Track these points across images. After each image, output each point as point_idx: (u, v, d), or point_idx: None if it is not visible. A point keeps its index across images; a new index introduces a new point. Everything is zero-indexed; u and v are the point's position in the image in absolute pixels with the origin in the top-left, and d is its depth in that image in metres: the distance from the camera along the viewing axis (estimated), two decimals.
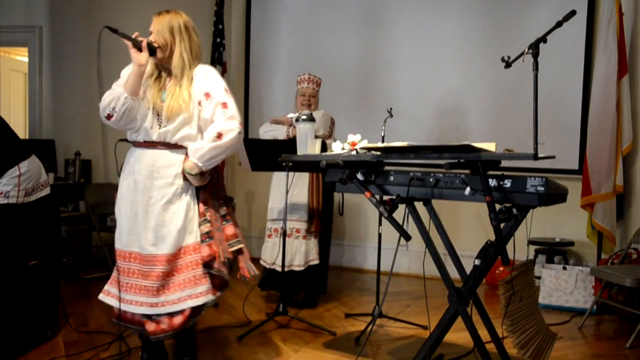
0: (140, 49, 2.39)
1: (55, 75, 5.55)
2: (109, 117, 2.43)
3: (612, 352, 3.26)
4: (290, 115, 3.88)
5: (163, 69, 2.53)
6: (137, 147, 2.51)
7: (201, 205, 2.50)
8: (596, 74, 4.35)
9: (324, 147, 3.14)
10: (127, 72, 2.49)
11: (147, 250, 2.44)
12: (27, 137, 5.65)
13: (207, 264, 2.47)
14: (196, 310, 2.48)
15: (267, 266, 3.95)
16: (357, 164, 2.55)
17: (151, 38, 2.46)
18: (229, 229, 2.58)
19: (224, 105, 2.44)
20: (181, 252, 2.46)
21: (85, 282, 4.61)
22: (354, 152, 2.64)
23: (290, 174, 3.71)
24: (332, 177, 2.75)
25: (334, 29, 5.50)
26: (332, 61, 5.46)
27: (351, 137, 2.72)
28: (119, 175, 2.61)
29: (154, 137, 2.45)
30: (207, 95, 2.46)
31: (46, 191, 3.35)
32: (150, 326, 2.46)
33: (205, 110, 2.45)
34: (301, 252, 3.87)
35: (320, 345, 3.25)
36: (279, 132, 3.96)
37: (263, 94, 5.87)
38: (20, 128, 6.02)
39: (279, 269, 3.82)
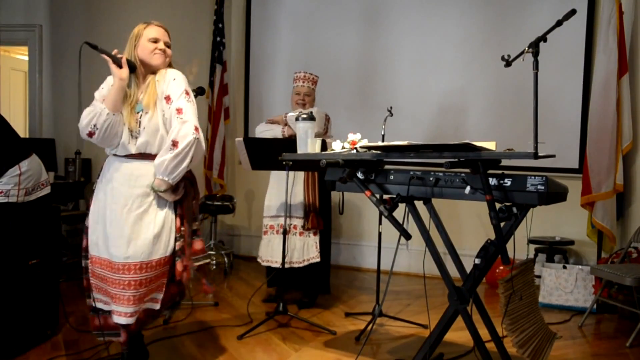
0: (120, 66, 2.38)
1: (55, 74, 5.55)
2: (90, 134, 2.40)
3: (612, 351, 3.26)
4: (291, 114, 3.88)
5: (133, 80, 2.48)
6: (116, 157, 2.49)
7: (178, 219, 2.48)
8: (596, 73, 4.35)
9: (324, 146, 3.14)
10: (108, 84, 2.48)
11: (118, 258, 2.39)
12: (27, 136, 5.65)
13: (178, 280, 2.47)
14: (149, 315, 2.52)
15: (263, 263, 3.98)
16: (357, 162, 2.55)
17: (167, 50, 2.51)
18: (198, 244, 2.56)
19: (179, 111, 2.38)
20: (153, 263, 2.42)
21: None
22: (354, 151, 2.64)
23: (285, 174, 3.71)
24: (332, 176, 2.75)
25: (334, 28, 5.50)
26: (332, 60, 5.46)
27: (351, 136, 2.72)
28: (94, 183, 2.60)
29: (133, 150, 2.44)
30: (168, 99, 2.42)
31: (46, 190, 3.35)
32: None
33: (167, 120, 2.42)
34: (299, 249, 3.88)
35: (321, 344, 3.25)
36: (274, 132, 3.98)
37: (263, 93, 5.87)
38: (21, 127, 6.02)
39: (274, 266, 3.87)
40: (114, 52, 2.41)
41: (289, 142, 3.40)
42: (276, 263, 3.88)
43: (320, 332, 3.44)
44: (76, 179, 5.26)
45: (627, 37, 4.38)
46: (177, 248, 2.46)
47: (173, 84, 2.43)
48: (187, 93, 2.44)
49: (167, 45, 2.53)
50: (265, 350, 3.12)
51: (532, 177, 2.18)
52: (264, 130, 4.05)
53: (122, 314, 2.39)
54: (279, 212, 3.93)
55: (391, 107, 3.59)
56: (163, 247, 2.44)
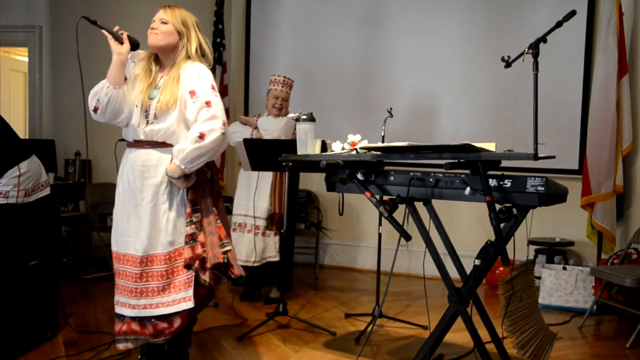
0: (121, 42, 2.39)
1: (55, 75, 5.55)
2: (95, 110, 2.40)
3: (612, 352, 3.26)
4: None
5: (156, 63, 2.47)
6: (129, 147, 2.47)
7: (189, 205, 2.41)
8: (596, 74, 4.35)
9: (324, 147, 3.14)
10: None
11: (141, 251, 2.38)
12: (27, 137, 5.65)
13: (189, 266, 2.40)
14: (189, 315, 2.43)
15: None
16: (357, 163, 2.55)
17: (162, 26, 2.40)
18: (221, 231, 2.48)
19: (208, 104, 2.33)
20: (176, 254, 2.40)
21: (85, 282, 4.61)
22: (354, 152, 2.64)
23: (255, 172, 3.82)
24: (332, 177, 2.75)
25: (334, 29, 5.50)
26: (332, 61, 5.46)
27: (351, 137, 2.72)
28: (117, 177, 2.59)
29: (141, 136, 2.40)
30: (192, 93, 2.35)
31: (46, 191, 3.35)
32: (148, 329, 2.41)
33: (189, 110, 2.35)
34: (258, 249, 3.96)
35: (320, 345, 3.25)
36: (244, 134, 4.00)
37: (263, 94, 5.81)
38: (20, 128, 6.02)
39: (244, 265, 3.90)
40: (116, 28, 2.42)
41: (289, 143, 3.40)
42: (241, 262, 3.90)
43: (320, 333, 3.44)
44: (76, 180, 5.27)
45: (627, 38, 4.38)
46: (186, 233, 2.39)
47: (198, 79, 2.36)
48: (213, 88, 2.38)
49: (164, 22, 2.41)
50: (265, 351, 3.12)
51: (532, 178, 2.18)
52: (235, 132, 4.04)
53: (152, 306, 2.37)
54: (241, 210, 4.05)
55: (391, 108, 3.59)
56: (179, 236, 2.40)
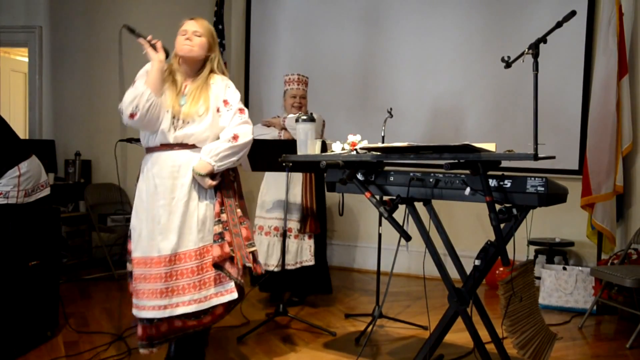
0: (155, 50, 2.45)
1: (55, 75, 5.55)
2: (132, 115, 2.39)
3: (612, 352, 3.26)
4: (291, 115, 3.87)
5: (178, 73, 2.55)
6: (153, 152, 2.50)
7: (217, 205, 2.50)
8: (596, 75, 4.35)
9: (324, 148, 3.14)
10: (148, 68, 2.50)
11: (169, 250, 2.40)
12: (27, 137, 5.65)
13: (218, 265, 2.45)
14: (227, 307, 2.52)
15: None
16: (357, 164, 2.55)
17: (195, 38, 2.51)
18: (245, 232, 2.57)
19: (241, 111, 2.53)
20: (204, 250, 2.45)
21: (85, 283, 4.61)
22: (354, 153, 2.64)
23: (284, 174, 3.68)
24: (332, 177, 2.75)
25: (334, 29, 5.50)
26: (332, 61, 5.46)
27: (351, 138, 2.72)
28: (137, 183, 2.59)
29: (171, 140, 2.46)
30: (226, 102, 2.52)
31: (46, 191, 3.35)
32: (177, 325, 2.45)
33: (224, 118, 2.51)
34: (292, 252, 3.82)
35: (320, 345, 3.25)
36: (270, 136, 3.93)
37: (263, 94, 5.87)
38: (20, 128, 6.02)
39: (268, 269, 3.78)
40: (149, 37, 2.47)
41: (289, 144, 3.40)
42: (268, 266, 3.79)
43: (320, 333, 3.44)
44: (76, 180, 5.27)
45: (627, 38, 4.38)
46: (215, 232, 2.47)
47: (229, 91, 2.55)
48: (241, 101, 2.59)
49: (198, 35, 2.52)
50: (265, 351, 3.12)
51: (532, 179, 2.18)
52: (262, 134, 3.96)
53: (186, 303, 2.38)
54: (273, 213, 3.89)
55: (391, 109, 3.59)
56: (207, 234, 2.46)
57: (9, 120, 3.38)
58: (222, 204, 2.51)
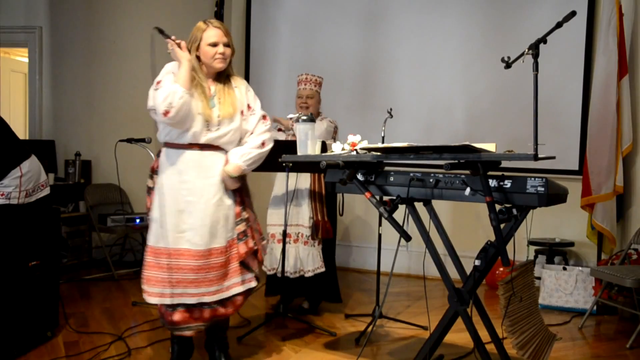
0: (181, 49, 2.53)
1: (55, 75, 5.56)
2: (166, 113, 2.42)
3: (612, 352, 3.26)
4: (291, 115, 3.85)
5: (200, 74, 2.60)
6: (178, 149, 2.57)
7: (237, 205, 2.67)
8: (596, 75, 4.35)
9: (324, 148, 3.14)
10: (169, 69, 2.57)
11: (203, 246, 2.54)
12: (27, 138, 5.65)
13: (243, 262, 2.66)
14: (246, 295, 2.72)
15: (269, 272, 3.78)
16: (357, 164, 2.55)
17: (227, 51, 2.61)
18: (260, 227, 2.82)
19: (265, 118, 2.72)
20: (228, 246, 2.62)
21: (85, 283, 4.61)
22: (354, 153, 2.64)
23: (293, 175, 3.64)
24: (332, 177, 2.75)
25: (334, 29, 5.50)
26: (332, 61, 5.46)
27: (351, 138, 2.71)
28: (150, 177, 2.68)
29: (202, 141, 2.56)
30: (249, 107, 2.68)
31: (46, 191, 3.36)
32: (206, 314, 2.60)
33: (249, 121, 2.67)
34: (304, 258, 3.69)
35: (320, 345, 3.25)
36: (280, 137, 3.86)
37: (263, 94, 5.80)
38: (20, 128, 6.03)
39: (287, 275, 3.67)
40: (173, 38, 2.53)
41: (289, 144, 3.40)
42: (286, 272, 3.67)
43: (320, 333, 3.44)
44: (76, 180, 5.27)
45: (627, 38, 4.38)
46: (239, 230, 2.64)
47: (251, 95, 2.72)
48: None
49: (227, 44, 2.60)
50: (265, 351, 3.12)
51: (532, 179, 2.18)
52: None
53: (210, 293, 2.56)
54: (283, 219, 3.68)
55: (391, 109, 3.59)
56: (231, 231, 2.63)
57: (8, 120, 3.39)
58: (242, 203, 2.69)
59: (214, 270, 2.56)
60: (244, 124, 2.67)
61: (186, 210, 2.54)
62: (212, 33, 2.57)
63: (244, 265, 2.67)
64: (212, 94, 2.60)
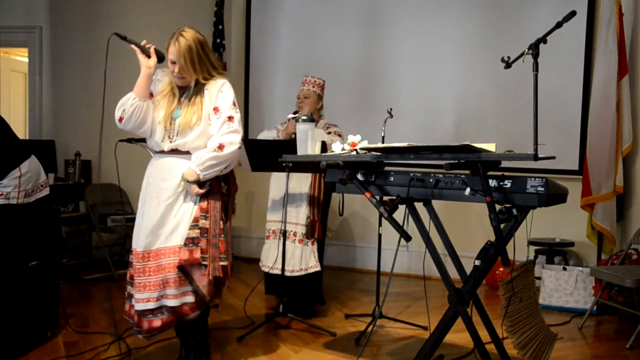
0: (148, 55, 2.52)
1: (55, 75, 5.55)
2: (120, 119, 2.53)
3: (612, 352, 3.26)
4: (290, 115, 3.86)
5: (177, 86, 2.61)
6: (155, 155, 2.65)
7: (198, 210, 2.54)
8: (596, 75, 4.35)
9: (324, 148, 3.14)
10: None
11: (142, 247, 2.52)
12: (27, 138, 5.65)
13: (183, 269, 2.50)
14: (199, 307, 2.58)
15: (266, 270, 3.78)
16: (357, 164, 2.55)
17: (176, 70, 2.51)
18: (222, 245, 2.57)
19: (230, 119, 2.54)
20: (170, 251, 2.52)
21: (85, 283, 4.61)
22: (354, 153, 2.64)
23: (292, 176, 3.63)
24: (332, 177, 2.75)
25: (334, 29, 5.50)
26: (332, 61, 5.46)
27: (351, 138, 2.71)
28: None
29: (166, 148, 2.57)
30: (216, 110, 2.55)
31: (45, 191, 3.36)
32: (157, 322, 2.52)
33: (213, 126, 2.54)
34: (297, 257, 3.68)
35: (320, 346, 3.25)
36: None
37: (263, 95, 5.87)
38: (20, 128, 6.03)
39: (274, 272, 3.68)
40: (143, 42, 2.53)
41: (289, 144, 3.40)
42: (276, 270, 3.68)
43: (320, 333, 3.44)
44: (76, 180, 5.27)
45: (627, 38, 4.38)
46: (188, 236, 2.51)
47: (221, 96, 2.56)
48: (234, 104, 2.59)
49: (173, 61, 2.51)
50: (265, 351, 3.12)
51: (532, 179, 2.18)
52: (267, 137, 3.90)
53: (144, 300, 2.48)
54: (280, 216, 3.73)
55: (391, 109, 3.59)
56: (177, 237, 2.51)
57: (9, 120, 3.39)
58: (205, 210, 2.54)
59: (147, 274, 2.48)
60: (210, 129, 2.55)
61: (144, 212, 2.56)
62: (170, 50, 2.52)
63: (186, 276, 2.51)
64: (181, 104, 2.56)
